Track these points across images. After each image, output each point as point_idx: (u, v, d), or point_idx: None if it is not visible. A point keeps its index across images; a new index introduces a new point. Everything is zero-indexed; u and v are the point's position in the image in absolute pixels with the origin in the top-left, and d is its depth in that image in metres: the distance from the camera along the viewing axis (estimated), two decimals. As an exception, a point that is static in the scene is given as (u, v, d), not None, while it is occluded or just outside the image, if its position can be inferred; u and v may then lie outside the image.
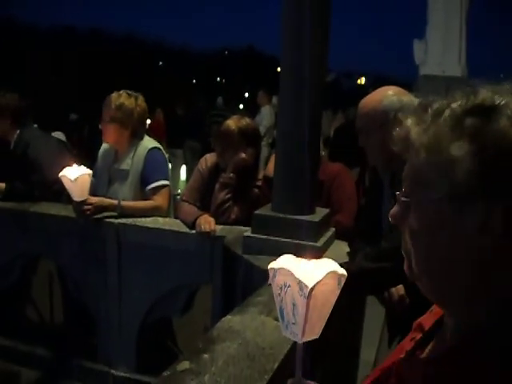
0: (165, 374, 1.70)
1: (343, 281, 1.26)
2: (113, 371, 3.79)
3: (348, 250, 3.01)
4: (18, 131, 4.33)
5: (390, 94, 2.55)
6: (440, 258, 0.85)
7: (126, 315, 3.73)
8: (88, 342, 4.09)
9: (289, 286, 1.23)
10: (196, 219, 3.39)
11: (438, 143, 0.83)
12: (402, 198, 0.91)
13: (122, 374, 3.76)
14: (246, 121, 3.73)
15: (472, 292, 0.85)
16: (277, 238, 2.83)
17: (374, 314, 3.48)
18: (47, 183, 3.62)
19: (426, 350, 0.99)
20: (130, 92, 3.89)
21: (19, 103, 4.42)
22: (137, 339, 3.74)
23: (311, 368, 1.37)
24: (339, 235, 3.19)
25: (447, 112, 0.84)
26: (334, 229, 3.16)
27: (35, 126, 4.82)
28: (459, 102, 0.85)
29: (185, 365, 1.74)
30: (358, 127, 2.65)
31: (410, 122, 0.89)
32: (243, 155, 3.64)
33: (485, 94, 0.84)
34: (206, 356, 1.80)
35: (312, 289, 1.18)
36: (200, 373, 1.70)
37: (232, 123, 3.67)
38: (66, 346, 4.11)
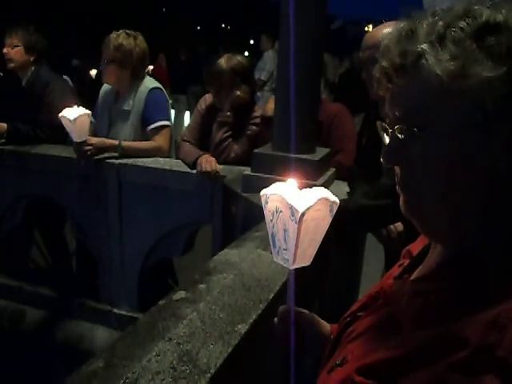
0: (160, 302, 1.73)
1: (335, 208, 1.25)
2: (115, 310, 3.86)
3: (348, 189, 3.01)
4: (33, 69, 4.26)
5: (398, 24, 2.48)
6: (460, 187, 0.82)
7: (127, 256, 3.77)
8: (91, 282, 4.15)
9: (280, 211, 1.23)
10: (197, 159, 3.39)
11: (464, 67, 0.78)
12: (401, 133, 0.86)
13: (123, 312, 3.83)
14: (237, 59, 3.69)
15: (484, 219, 0.83)
16: (276, 177, 2.82)
17: (374, 260, 3.51)
18: (55, 125, 3.59)
19: (414, 273, 0.99)
20: (128, 32, 3.82)
21: (43, 42, 4.35)
22: (138, 279, 3.79)
23: (308, 299, 1.38)
24: (339, 175, 3.18)
25: (458, 33, 0.79)
26: (333, 169, 3.15)
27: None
28: (468, 22, 0.80)
29: (180, 294, 1.76)
30: (362, 60, 2.60)
31: (425, 46, 0.82)
32: (238, 93, 3.61)
33: (486, 11, 0.81)
34: (201, 286, 1.82)
35: (303, 214, 1.18)
36: (195, 301, 1.72)
37: (223, 62, 3.64)
38: (69, 286, 4.18)
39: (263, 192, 1.27)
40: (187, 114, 11.15)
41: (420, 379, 0.74)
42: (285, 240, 1.25)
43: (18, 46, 4.20)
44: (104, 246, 3.86)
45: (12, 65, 4.20)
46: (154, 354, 1.44)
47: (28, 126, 4.03)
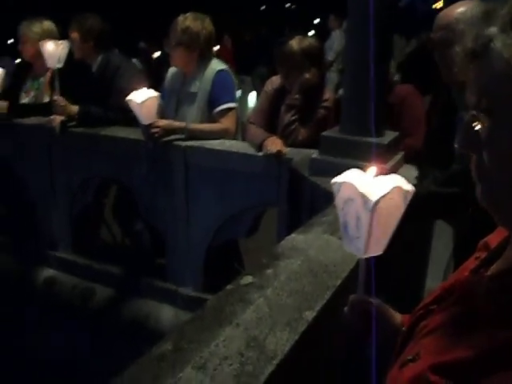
0: (228, 287, 1.73)
1: (409, 197, 1.22)
2: (180, 290, 3.92)
3: (417, 174, 2.94)
4: (102, 55, 4.36)
5: (473, 5, 2.38)
6: None
7: (193, 237, 3.81)
8: (158, 262, 4.23)
9: (353, 199, 1.20)
10: (263, 141, 3.37)
11: None
12: (476, 118, 0.83)
13: (189, 292, 3.88)
14: (308, 41, 3.63)
15: None
16: (344, 160, 2.78)
17: (442, 246, 3.43)
18: (126, 108, 3.65)
19: (491, 268, 0.95)
20: (196, 14, 3.84)
21: (102, 26, 4.44)
22: (204, 260, 3.83)
23: (375, 289, 1.36)
24: (408, 159, 3.11)
25: None
26: (402, 152, 3.08)
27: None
28: None
29: (248, 279, 1.76)
30: (434, 41, 2.51)
31: (494, 30, 0.80)
32: (307, 75, 3.56)
33: None
34: (269, 271, 1.81)
35: (376, 203, 1.15)
36: (263, 287, 1.71)
37: (295, 44, 3.59)
38: (137, 265, 4.26)
39: (335, 180, 1.24)
40: (252, 95, 11.15)
41: (504, 381, 0.71)
42: (357, 229, 1.22)
43: (75, 37, 4.32)
44: (171, 226, 3.92)
45: (76, 55, 4.32)
46: (222, 339, 1.44)
47: (99, 108, 4.11)
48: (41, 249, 4.63)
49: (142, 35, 12.60)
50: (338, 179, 1.23)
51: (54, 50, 3.98)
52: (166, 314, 3.97)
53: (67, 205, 4.41)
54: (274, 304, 1.63)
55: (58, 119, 4.12)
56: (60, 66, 3.99)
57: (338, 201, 1.24)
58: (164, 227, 3.99)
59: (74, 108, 4.11)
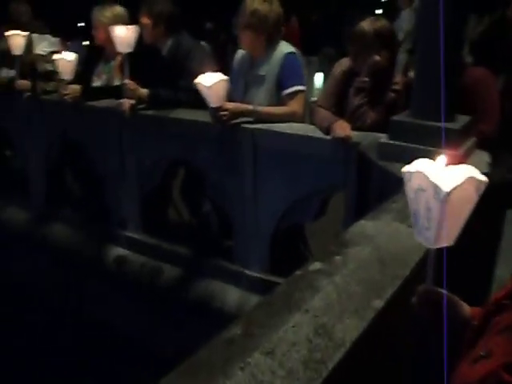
0: (297, 273, 1.74)
1: (483, 188, 1.19)
2: (247, 271, 3.95)
3: (490, 160, 2.86)
4: (172, 38, 4.41)
5: None
6: None
7: (260, 219, 3.84)
8: (225, 244, 4.28)
9: (424, 190, 1.19)
10: (331, 125, 3.35)
11: None
12: None
13: (255, 274, 3.91)
14: (381, 22, 3.55)
15: None
16: (414, 145, 2.73)
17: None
18: (195, 90, 3.69)
19: None
20: None
21: (172, 9, 4.48)
22: (271, 242, 3.85)
23: (444, 278, 1.34)
24: (481, 145, 3.02)
25: None
26: (475, 138, 2.99)
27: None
28: None
29: (316, 265, 1.76)
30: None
31: None
32: (377, 58, 3.49)
33: None
34: (337, 258, 1.81)
35: (449, 193, 1.13)
36: (331, 274, 1.71)
37: (367, 24, 3.51)
38: (204, 246, 4.33)
39: (405, 169, 1.23)
40: (319, 76, 11.02)
41: None
42: (427, 219, 1.21)
43: (146, 21, 4.38)
44: (238, 208, 3.95)
45: (146, 39, 4.38)
46: (291, 325, 1.46)
47: (169, 91, 4.16)
48: (111, 228, 4.77)
49: (209, 16, 12.65)
50: (408, 168, 1.22)
51: (124, 35, 4.05)
52: (232, 295, 4.02)
53: (137, 186, 4.52)
54: (343, 291, 1.63)
55: (127, 103, 4.20)
56: (130, 50, 4.06)
57: (409, 190, 1.23)
58: (231, 209, 4.03)
59: (144, 91, 4.17)
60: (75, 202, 5.33)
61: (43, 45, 5.54)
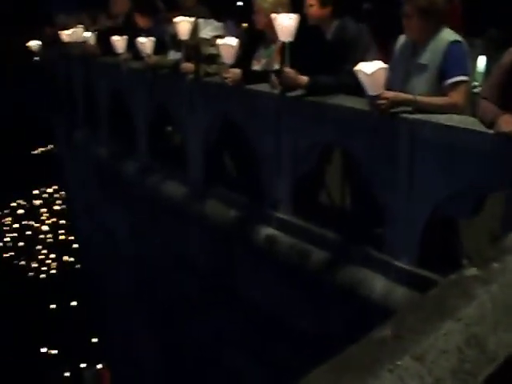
0: (451, 277, 1.71)
1: None
2: (395, 262, 3.91)
3: None
4: (338, 21, 4.41)
5: None
6: None
7: (413, 210, 3.77)
8: (374, 232, 4.25)
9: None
10: (495, 118, 3.18)
11: None
12: None
13: (403, 265, 3.85)
14: None
15: None
16: None
17: None
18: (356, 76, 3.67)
19: None
20: None
21: None
22: (421, 234, 3.77)
23: None
24: None
25: None
26: None
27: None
28: None
29: (472, 271, 1.72)
30: None
31: None
32: None
33: None
34: (495, 265, 1.75)
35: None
36: (488, 282, 1.66)
37: None
38: (354, 233, 4.33)
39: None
40: (481, 60, 10.44)
41: None
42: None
43: (313, 2, 4.37)
44: (391, 197, 3.90)
45: (311, 21, 4.39)
46: (442, 332, 1.44)
47: (330, 77, 4.17)
48: (264, 208, 4.91)
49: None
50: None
51: (286, 24, 4.12)
52: (379, 284, 4.00)
53: (291, 168, 4.61)
54: (499, 302, 1.58)
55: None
56: (291, 39, 4.12)
57: None
58: (384, 197, 3.99)
59: (304, 79, 4.22)
60: (231, 181, 5.55)
61: (208, 29, 5.79)
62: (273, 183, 4.82)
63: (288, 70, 4.18)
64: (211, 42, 5.38)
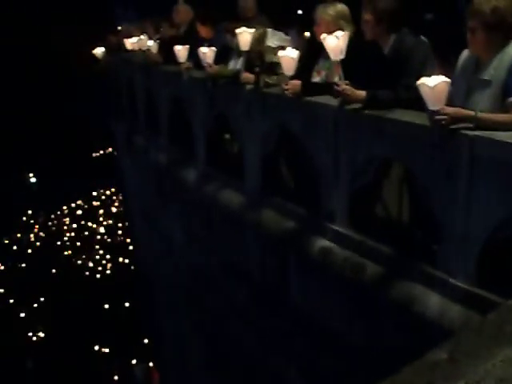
0: (509, 302, 1.69)
1: None
2: (451, 280, 3.84)
3: None
4: (394, 35, 4.39)
5: None
6: None
7: (471, 228, 3.69)
8: (431, 248, 4.20)
9: None
10: None
11: None
12: None
13: (459, 283, 3.78)
14: None
15: None
16: None
17: None
18: (415, 90, 3.65)
19: None
20: None
21: (396, 6, 4.42)
22: (480, 252, 3.70)
23: None
24: None
25: None
26: None
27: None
28: None
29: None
30: None
31: None
32: None
33: None
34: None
35: None
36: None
37: None
38: (409, 248, 4.28)
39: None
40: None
41: None
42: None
43: (369, 18, 4.38)
44: (448, 213, 3.84)
45: (368, 36, 4.40)
46: (500, 359, 1.43)
47: (388, 91, 4.16)
48: (320, 220, 4.92)
49: (430, 5, 12.19)
50: None
51: (335, 44, 4.16)
52: (434, 301, 3.94)
53: (348, 180, 4.61)
54: (560, 329, 1.55)
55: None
56: (342, 57, 4.14)
57: None
58: (442, 213, 3.93)
59: (361, 94, 4.22)
60: (287, 191, 5.57)
61: (275, 39, 5.87)
62: (329, 195, 4.82)
63: (343, 87, 4.20)
64: (275, 51, 5.42)
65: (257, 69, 5.48)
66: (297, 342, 5.14)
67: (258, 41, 5.63)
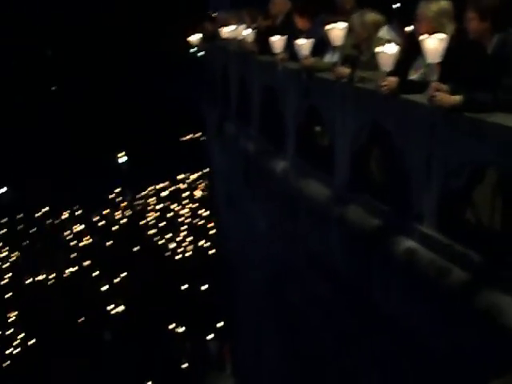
0: None
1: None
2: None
3: None
4: (498, 35, 4.26)
5: None
6: None
7: None
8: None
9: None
10: None
11: None
12: None
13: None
14: None
15: None
16: None
17: None
18: None
19: None
20: None
21: (501, 3, 4.27)
22: None
23: None
24: None
25: None
26: None
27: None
28: None
29: None
30: None
31: None
32: None
33: None
34: None
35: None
36: None
37: None
38: (499, 257, 4.15)
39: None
40: None
41: None
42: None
43: (472, 16, 4.27)
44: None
45: (471, 35, 4.27)
46: None
47: (487, 94, 4.04)
48: (407, 220, 4.85)
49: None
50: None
51: (433, 47, 4.06)
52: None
53: (439, 183, 4.51)
54: None
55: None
56: (439, 60, 4.05)
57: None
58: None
59: (454, 99, 4.11)
60: (376, 188, 5.52)
61: (383, 31, 5.78)
62: (419, 195, 4.73)
63: (437, 93, 4.11)
64: (382, 42, 5.35)
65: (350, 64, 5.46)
66: (375, 342, 5.10)
67: (374, 27, 5.56)
